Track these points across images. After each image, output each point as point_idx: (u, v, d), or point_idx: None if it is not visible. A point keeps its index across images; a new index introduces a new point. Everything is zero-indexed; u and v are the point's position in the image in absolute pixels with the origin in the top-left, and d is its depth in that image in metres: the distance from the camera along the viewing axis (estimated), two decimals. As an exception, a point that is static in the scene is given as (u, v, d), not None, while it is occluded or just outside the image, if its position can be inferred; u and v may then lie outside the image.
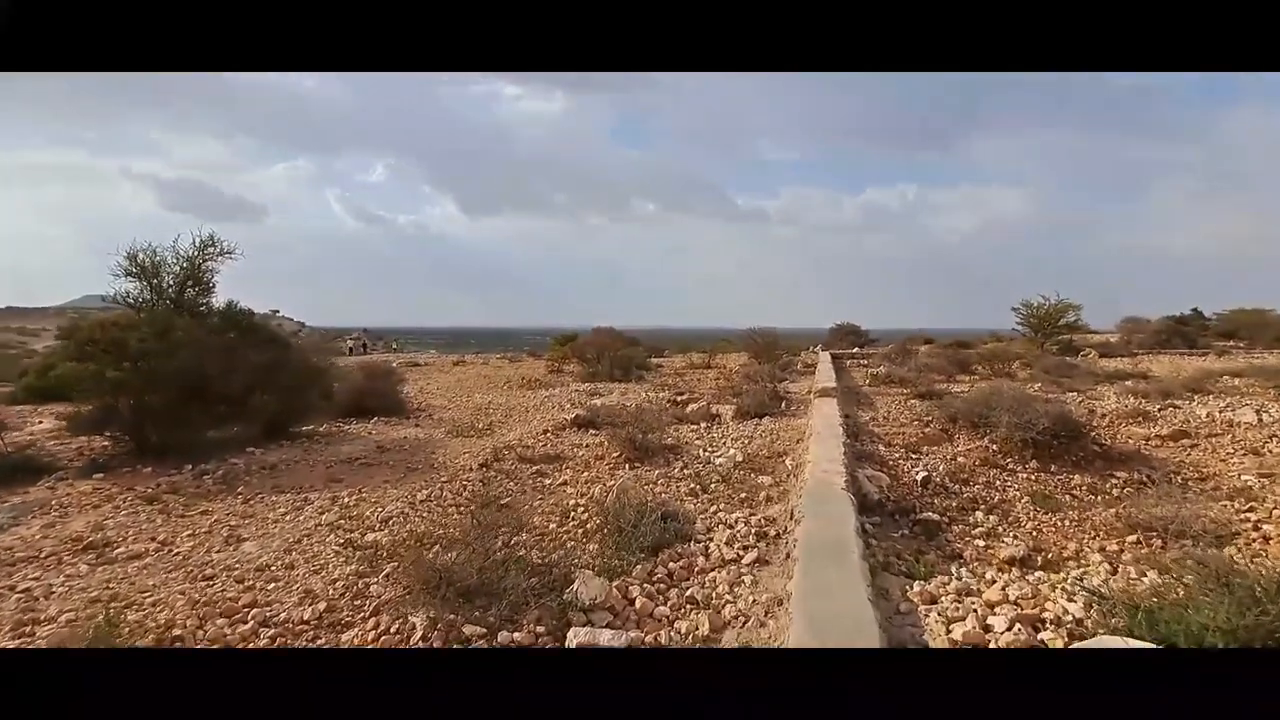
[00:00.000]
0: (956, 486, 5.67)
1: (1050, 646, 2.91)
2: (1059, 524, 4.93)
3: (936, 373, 14.30)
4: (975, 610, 3.19)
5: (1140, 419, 8.53)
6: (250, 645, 3.21)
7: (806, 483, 4.89)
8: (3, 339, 47.11)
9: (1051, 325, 22.07)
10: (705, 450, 7.21)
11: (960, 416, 7.71)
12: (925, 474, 5.78)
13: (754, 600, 3.40)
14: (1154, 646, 2.56)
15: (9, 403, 10.84)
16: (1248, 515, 4.92)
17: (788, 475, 5.94)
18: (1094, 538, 4.65)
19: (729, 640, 3.09)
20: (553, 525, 4.82)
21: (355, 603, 3.55)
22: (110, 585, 3.93)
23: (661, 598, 3.54)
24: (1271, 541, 4.45)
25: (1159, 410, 9.04)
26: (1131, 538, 4.54)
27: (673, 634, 3.17)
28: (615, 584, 3.55)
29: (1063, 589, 3.47)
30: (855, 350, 23.76)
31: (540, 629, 3.18)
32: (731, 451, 6.99)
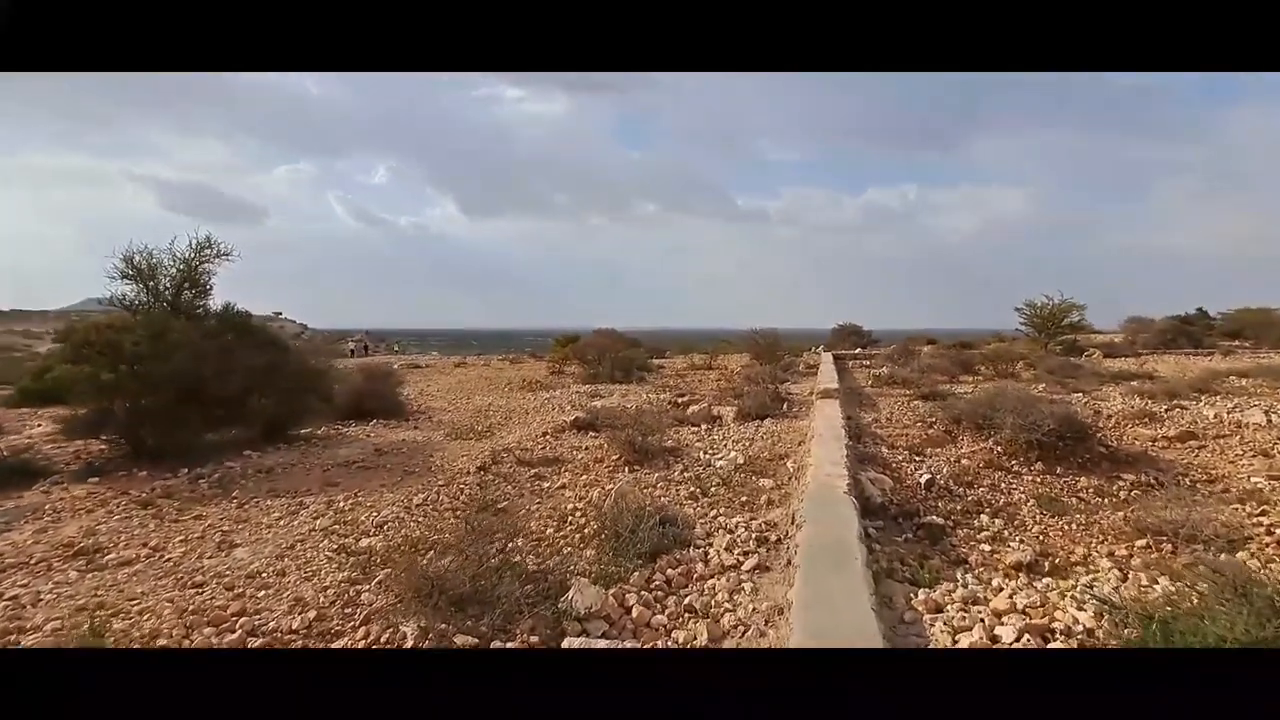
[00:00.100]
0: (961, 489, 5.58)
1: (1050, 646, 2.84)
2: (1066, 528, 4.83)
3: (939, 373, 14.22)
4: (982, 620, 3.10)
5: (1147, 420, 8.43)
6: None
7: (808, 486, 4.81)
8: (7, 341, 47.19)
9: (1055, 325, 21.92)
10: (706, 453, 7.13)
11: (964, 418, 7.62)
12: (929, 476, 5.69)
13: (754, 609, 3.31)
14: (1154, 647, 2.54)
15: (7, 406, 10.85)
16: (1260, 519, 4.82)
17: (789, 478, 5.86)
18: (1102, 542, 4.55)
19: (728, 650, 3.01)
20: (550, 530, 4.74)
21: (346, 611, 3.47)
22: (98, 593, 3.86)
23: (659, 606, 3.46)
24: (1286, 546, 4.35)
25: (1165, 411, 8.93)
26: (1141, 542, 4.44)
27: (670, 644, 3.09)
28: (612, 592, 3.47)
29: (1072, 597, 3.38)
30: (857, 351, 23.68)
31: (534, 639, 3.09)
32: (732, 454, 6.90)
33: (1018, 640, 2.90)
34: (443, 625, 3.10)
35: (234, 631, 3.30)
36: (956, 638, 2.96)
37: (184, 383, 7.29)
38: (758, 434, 8.15)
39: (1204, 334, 25.59)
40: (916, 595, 3.42)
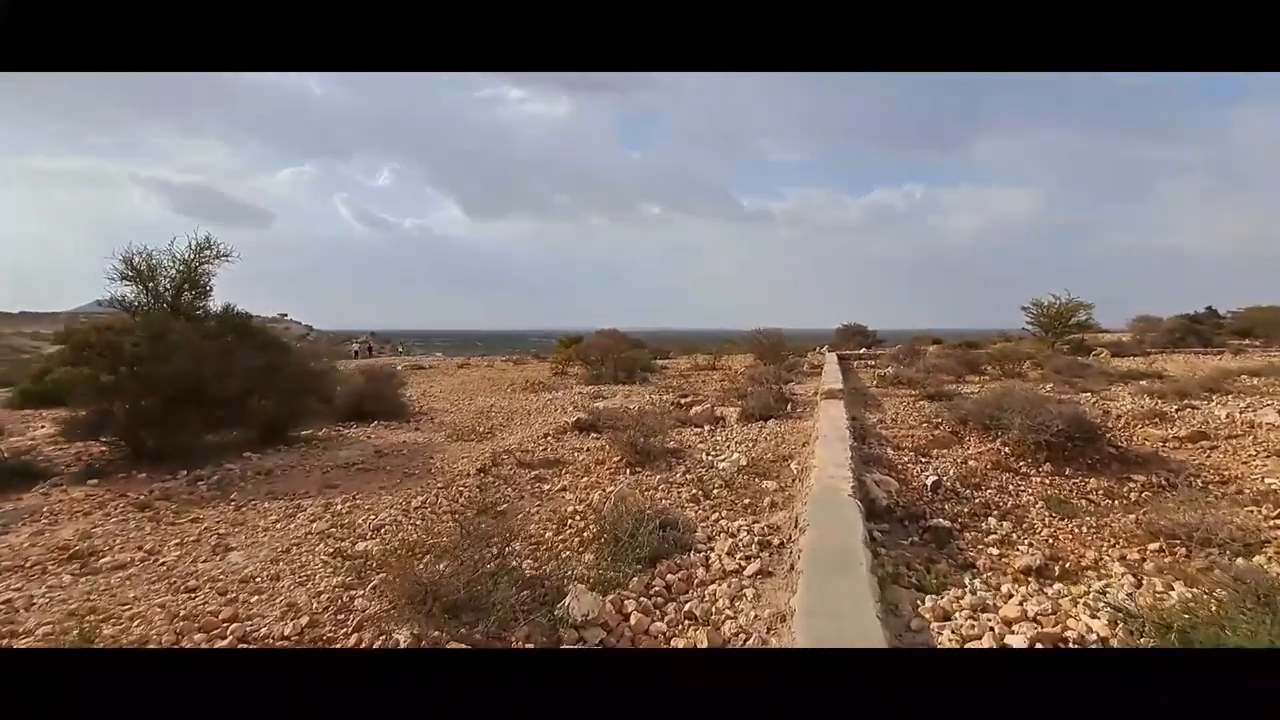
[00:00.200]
0: (968, 491, 5.48)
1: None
2: (1076, 530, 4.73)
3: (945, 373, 14.09)
4: (992, 628, 3.01)
5: (1157, 420, 8.30)
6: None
7: (812, 488, 4.71)
8: (16, 343, 47.41)
9: (1062, 325, 21.74)
10: (709, 454, 7.04)
11: (971, 418, 7.52)
12: (935, 478, 5.60)
13: (756, 616, 3.23)
14: (1154, 647, 2.51)
15: (10, 408, 10.84)
16: (1277, 522, 4.71)
17: (793, 480, 5.77)
18: (1113, 545, 4.45)
19: (729, 659, 2.92)
20: (549, 533, 4.66)
21: (339, 617, 3.39)
22: (91, 597, 3.80)
23: (658, 612, 3.37)
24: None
25: (1176, 411, 8.80)
26: (1154, 546, 4.34)
27: (669, 652, 3.01)
28: (610, 598, 3.38)
29: (1085, 604, 3.28)
30: (862, 351, 23.55)
31: (529, 647, 3.01)
32: (735, 455, 6.82)
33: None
34: (436, 633, 3.03)
35: (225, 638, 3.24)
36: (965, 647, 2.87)
37: (184, 384, 7.24)
38: (761, 435, 8.07)
39: (1213, 333, 25.33)
40: (923, 602, 3.33)
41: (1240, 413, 8.40)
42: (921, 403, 10.17)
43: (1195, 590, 3.21)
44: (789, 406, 10.07)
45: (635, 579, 3.68)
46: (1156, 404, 9.30)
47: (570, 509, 5.17)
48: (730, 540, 4.25)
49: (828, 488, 4.63)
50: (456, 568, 3.32)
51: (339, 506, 5.58)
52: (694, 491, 5.59)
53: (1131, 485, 5.72)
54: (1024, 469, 6.14)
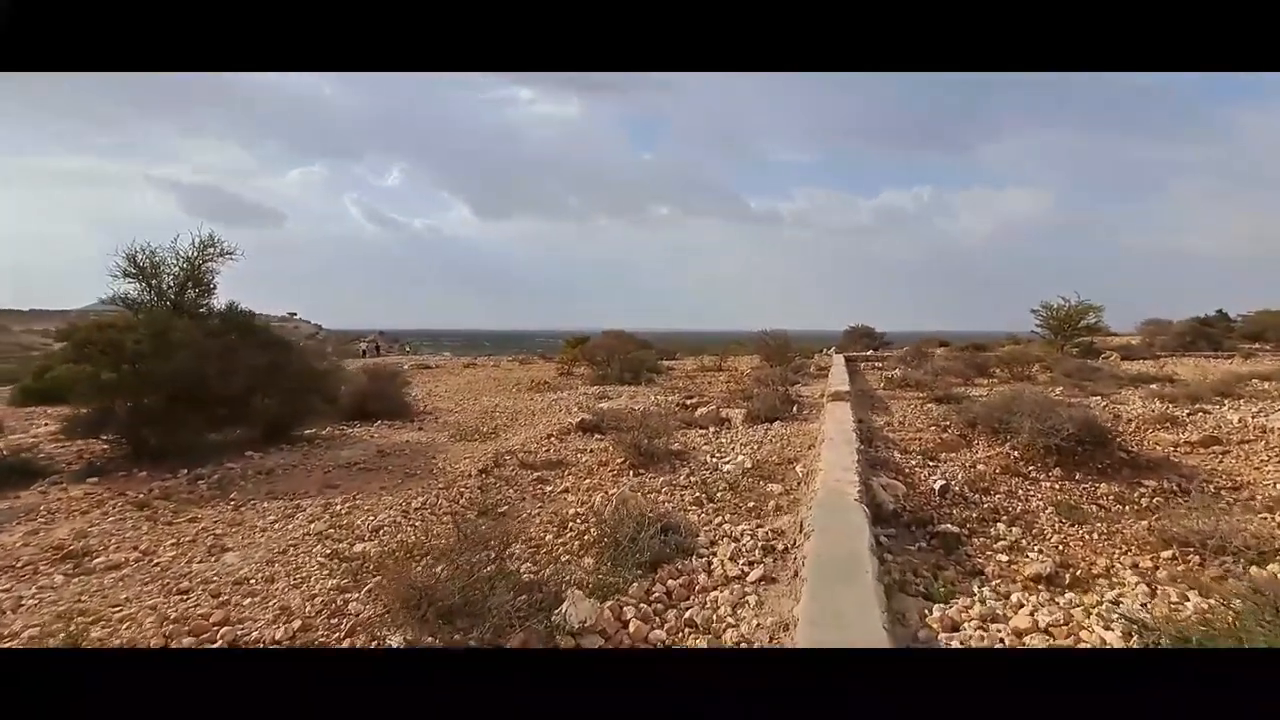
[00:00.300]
0: (976, 496, 5.39)
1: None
2: (1086, 537, 4.63)
3: (953, 376, 13.97)
4: (1002, 639, 2.92)
5: (1168, 424, 8.18)
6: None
7: (818, 492, 4.62)
8: (26, 341, 47.71)
9: (1072, 327, 21.54)
10: (713, 456, 6.96)
11: (979, 422, 7.41)
12: (943, 482, 5.50)
13: (758, 624, 3.14)
14: (1154, 647, 2.51)
15: (13, 405, 10.86)
16: (1293, 529, 4.59)
17: (798, 483, 5.68)
18: (1125, 553, 4.35)
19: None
20: (549, 536, 4.59)
21: (332, 621, 3.33)
22: (82, 599, 3.74)
23: (658, 619, 3.29)
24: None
25: (1187, 415, 8.67)
26: (1166, 553, 4.23)
27: (669, 660, 2.93)
28: (609, 604, 3.30)
29: (1098, 615, 3.18)
30: (869, 353, 23.40)
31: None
32: (740, 458, 6.73)
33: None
34: (430, 639, 2.95)
35: (215, 642, 3.18)
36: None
37: (186, 382, 7.21)
38: (766, 437, 7.98)
39: (1224, 336, 25.05)
40: (931, 612, 3.24)
41: (1252, 417, 8.26)
42: (929, 405, 10.06)
43: (1211, 601, 3.11)
44: (795, 408, 9.98)
45: (635, 584, 3.60)
46: (1167, 408, 9.16)
47: (571, 511, 5.09)
48: (733, 545, 4.16)
49: (834, 491, 4.55)
50: (453, 571, 3.25)
51: (338, 507, 5.52)
52: (697, 494, 5.51)
53: (1143, 490, 5.61)
54: (1033, 473, 6.03)
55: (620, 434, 7.15)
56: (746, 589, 3.56)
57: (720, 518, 4.85)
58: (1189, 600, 3.40)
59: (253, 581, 3.92)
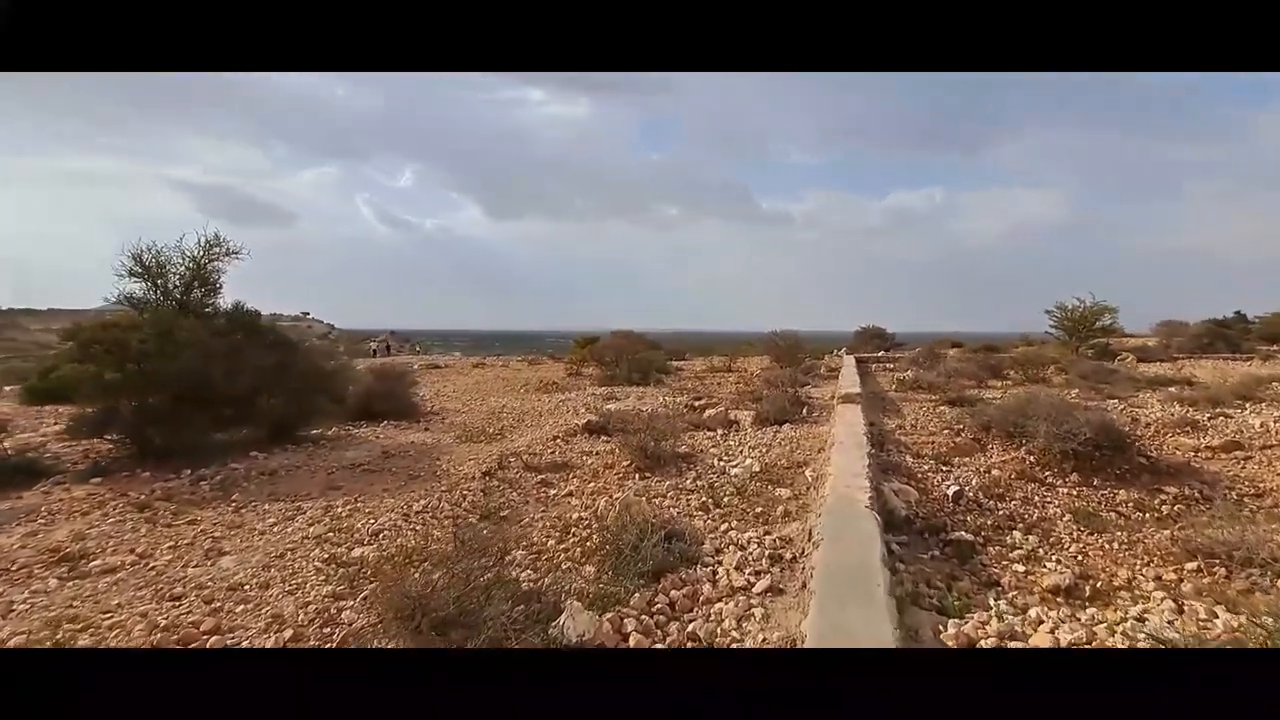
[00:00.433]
0: (991, 502, 5.24)
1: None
2: (1106, 546, 4.48)
3: (966, 378, 13.75)
4: (1020, 658, 2.78)
5: (1188, 429, 7.98)
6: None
7: (827, 498, 4.48)
8: (43, 339, 48.19)
9: (1087, 329, 21.25)
10: (721, 459, 6.84)
11: (994, 425, 7.25)
12: (957, 488, 5.36)
13: (764, 639, 3.02)
14: (1154, 647, 2.52)
15: (21, 404, 10.86)
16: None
17: (807, 488, 5.55)
18: (1147, 564, 4.19)
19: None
20: (551, 541, 4.48)
21: (324, 630, 3.24)
22: (73, 604, 3.67)
23: (660, 633, 3.17)
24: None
25: (1208, 419, 8.46)
26: (1191, 565, 4.07)
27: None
28: (609, 616, 3.18)
29: (1123, 633, 3.03)
30: (881, 354, 23.18)
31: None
32: (748, 461, 6.60)
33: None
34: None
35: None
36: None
37: (191, 382, 7.17)
38: (775, 440, 7.84)
39: (1241, 338, 24.64)
40: (945, 628, 3.10)
41: (1275, 422, 8.05)
42: (942, 408, 9.89)
43: (1242, 618, 2.96)
44: (805, 410, 9.83)
45: (637, 595, 3.48)
46: (1187, 411, 8.95)
47: (575, 516, 4.99)
48: (739, 553, 4.04)
49: (844, 497, 4.41)
50: (449, 580, 3.15)
51: (339, 509, 5.44)
52: (704, 499, 5.38)
53: (1163, 498, 5.45)
54: (1050, 479, 5.88)
55: (627, 436, 7.04)
56: (752, 601, 3.43)
57: (726, 524, 4.72)
58: (1217, 617, 3.25)
59: (247, 587, 3.84)
